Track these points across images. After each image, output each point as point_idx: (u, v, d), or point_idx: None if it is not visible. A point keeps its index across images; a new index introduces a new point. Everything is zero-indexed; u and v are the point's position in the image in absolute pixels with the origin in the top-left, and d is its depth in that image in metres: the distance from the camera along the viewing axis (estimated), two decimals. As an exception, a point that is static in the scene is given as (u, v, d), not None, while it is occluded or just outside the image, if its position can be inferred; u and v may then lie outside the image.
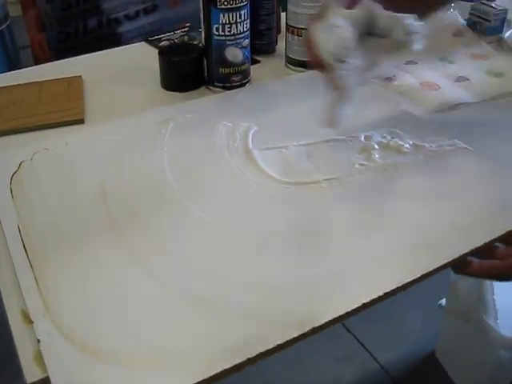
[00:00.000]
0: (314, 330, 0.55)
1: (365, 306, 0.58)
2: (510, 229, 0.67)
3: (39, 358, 0.52)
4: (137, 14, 1.85)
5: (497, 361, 1.34)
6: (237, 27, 0.90)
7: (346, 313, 0.57)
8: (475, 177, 0.76)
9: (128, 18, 1.83)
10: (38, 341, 0.53)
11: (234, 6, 0.88)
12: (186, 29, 1.20)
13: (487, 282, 1.35)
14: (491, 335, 1.29)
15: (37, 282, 0.59)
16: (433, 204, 0.71)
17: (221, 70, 0.94)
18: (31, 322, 0.55)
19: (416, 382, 1.57)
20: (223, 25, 0.90)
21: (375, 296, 0.58)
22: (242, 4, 0.89)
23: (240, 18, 0.90)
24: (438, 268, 0.63)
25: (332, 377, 1.57)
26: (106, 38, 1.78)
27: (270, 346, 0.53)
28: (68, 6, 1.71)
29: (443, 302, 1.50)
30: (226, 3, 0.88)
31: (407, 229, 0.68)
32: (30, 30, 1.70)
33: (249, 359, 0.52)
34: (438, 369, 1.57)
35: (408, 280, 0.60)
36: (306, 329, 0.55)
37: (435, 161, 0.79)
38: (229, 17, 0.89)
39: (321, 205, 0.72)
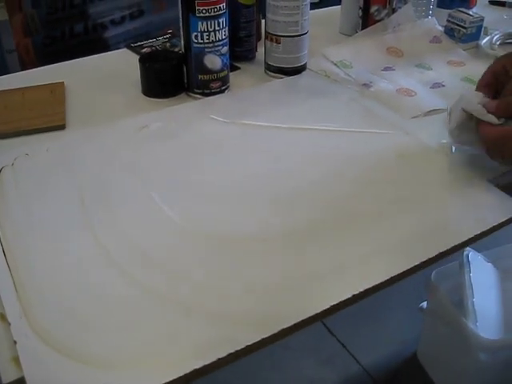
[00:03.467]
0: (284, 332, 0.56)
1: (335, 307, 0.59)
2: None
3: (17, 359, 0.53)
4: (123, 20, 1.85)
5: (477, 363, 1.36)
6: (215, 35, 0.92)
7: (316, 314, 0.58)
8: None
9: (114, 23, 1.84)
10: (15, 342, 0.54)
11: (212, 14, 0.90)
12: (168, 35, 1.21)
13: (467, 286, 1.36)
14: (471, 338, 1.30)
15: (14, 284, 0.61)
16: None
17: (200, 76, 0.95)
18: (9, 324, 0.56)
19: (398, 384, 1.59)
20: (202, 32, 0.91)
21: (343, 298, 0.60)
22: (221, 12, 0.91)
23: (218, 25, 0.91)
24: (411, 268, 0.64)
25: (314, 379, 1.58)
26: (92, 42, 1.79)
27: (239, 348, 0.54)
28: (54, 11, 1.71)
29: (424, 304, 1.52)
30: (204, 11, 0.89)
31: (382, 229, 0.70)
32: (16, 35, 1.70)
33: (219, 359, 0.53)
34: (420, 371, 1.59)
35: (380, 281, 0.62)
36: (275, 330, 0.56)
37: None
38: (207, 25, 0.90)
39: (296, 205, 0.74)
